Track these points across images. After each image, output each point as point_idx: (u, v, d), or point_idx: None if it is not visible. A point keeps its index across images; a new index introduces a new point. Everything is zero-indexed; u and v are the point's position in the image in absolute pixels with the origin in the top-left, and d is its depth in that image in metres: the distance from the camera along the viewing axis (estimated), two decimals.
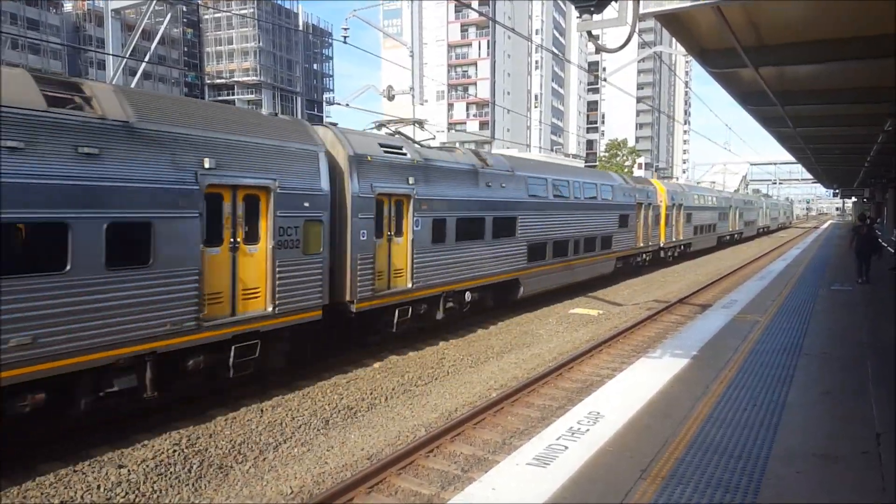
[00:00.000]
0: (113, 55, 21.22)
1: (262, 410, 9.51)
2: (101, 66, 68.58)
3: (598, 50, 7.51)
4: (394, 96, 22.29)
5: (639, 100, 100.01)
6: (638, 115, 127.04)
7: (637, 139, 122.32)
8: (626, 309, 18.84)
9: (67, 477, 7.12)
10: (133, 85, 21.11)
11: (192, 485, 7.27)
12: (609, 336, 14.41)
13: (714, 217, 40.24)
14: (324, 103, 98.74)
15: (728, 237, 45.97)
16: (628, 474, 5.62)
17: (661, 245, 28.93)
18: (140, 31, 19.52)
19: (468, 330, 15.48)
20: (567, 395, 10.48)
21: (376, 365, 12.20)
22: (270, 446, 8.37)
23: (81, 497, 6.71)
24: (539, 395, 10.57)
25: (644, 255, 26.84)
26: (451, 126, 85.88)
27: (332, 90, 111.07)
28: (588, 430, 6.77)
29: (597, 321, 16.94)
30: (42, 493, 6.73)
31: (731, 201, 46.41)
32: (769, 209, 70.20)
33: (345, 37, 23.02)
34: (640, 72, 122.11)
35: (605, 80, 26.05)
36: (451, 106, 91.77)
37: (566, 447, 6.29)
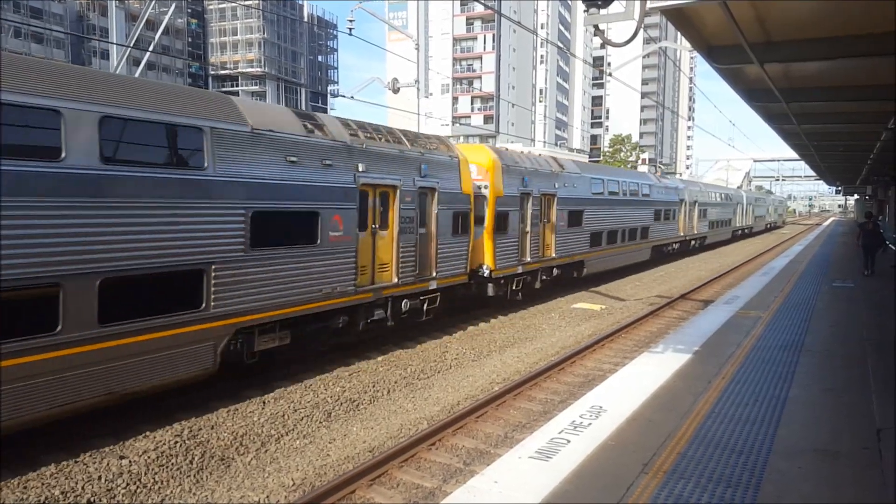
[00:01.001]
0: (117, 44, 21.18)
1: (264, 402, 9.52)
2: (105, 55, 68.45)
3: (605, 44, 7.48)
4: (399, 89, 22.21)
5: (643, 95, 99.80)
6: (642, 110, 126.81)
7: (641, 135, 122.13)
8: (629, 304, 18.83)
9: (68, 467, 7.13)
10: (137, 75, 21.08)
11: (194, 476, 7.29)
12: (611, 331, 14.41)
13: (643, 215, 26.23)
14: (328, 95, 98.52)
15: (675, 246, 31.87)
16: (630, 468, 5.63)
17: (487, 273, 15.52)
18: (144, 20, 19.45)
19: (471, 324, 15.50)
20: (569, 390, 10.50)
21: (379, 358, 12.22)
22: (272, 438, 8.40)
23: (82, 488, 6.74)
24: (541, 389, 10.59)
25: (415, 302, 13.01)
26: (456, 120, 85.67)
27: (337, 82, 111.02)
28: (590, 424, 6.78)
29: (599, 316, 16.95)
30: (43, 484, 6.74)
31: (680, 192, 31.69)
32: (752, 205, 54.34)
33: (350, 29, 22.94)
34: (644, 67, 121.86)
35: (610, 74, 24.43)
36: (455, 100, 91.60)
37: (568, 441, 6.30)
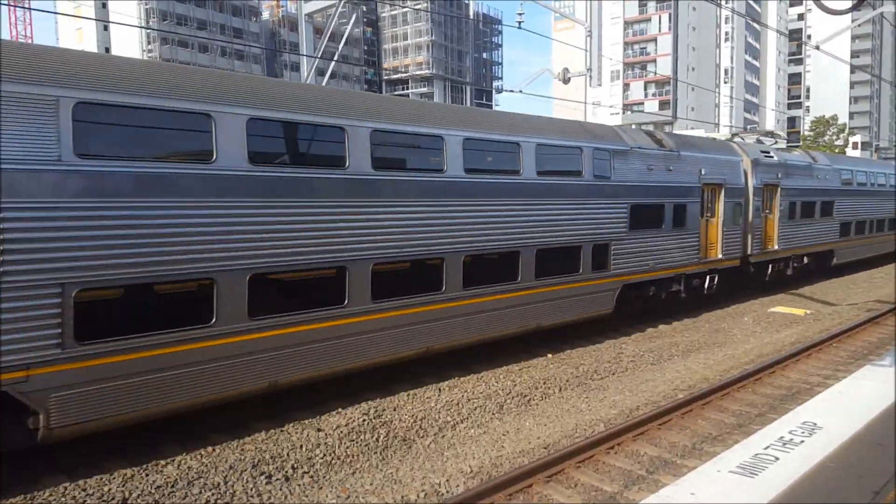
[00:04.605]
0: (307, 56, 23.37)
1: (439, 389, 9.87)
2: (294, 67, 76.07)
3: (824, 11, 6.47)
4: (569, 79, 21.62)
5: (854, 70, 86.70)
6: (852, 87, 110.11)
7: (851, 115, 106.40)
8: (840, 309, 16.44)
9: (276, 435, 7.98)
10: (324, 83, 23.09)
11: (380, 454, 7.73)
12: (820, 339, 12.69)
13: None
14: (493, 91, 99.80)
15: None
16: (857, 495, 4.83)
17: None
18: (329, 32, 21.19)
19: (649, 325, 14.68)
20: (768, 402, 9.40)
21: (549, 355, 12.07)
22: (448, 425, 8.62)
23: (287, 454, 7.46)
24: (734, 399, 9.61)
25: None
26: (628, 107, 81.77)
27: (501, 78, 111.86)
28: (802, 441, 5.95)
29: (803, 322, 15.03)
30: (256, 448, 7.62)
31: None
32: None
33: (519, 22, 22.86)
34: (854, 38, 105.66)
35: (816, 48, 20.89)
36: (626, 86, 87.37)
37: (776, 458, 5.58)
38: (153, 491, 6.52)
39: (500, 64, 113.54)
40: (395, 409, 8.93)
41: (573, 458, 7.46)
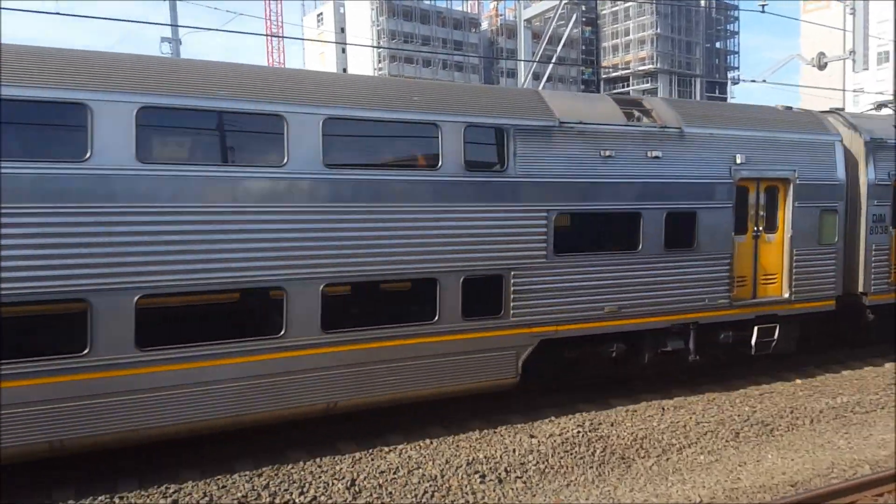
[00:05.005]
0: (523, 60, 23.61)
1: (663, 409, 9.16)
2: (511, 74, 77.80)
3: None
4: (826, 64, 18.45)
5: None
6: None
7: None
8: None
9: (489, 436, 8.07)
10: (540, 87, 23.08)
11: (596, 468, 7.34)
12: None
13: None
14: (728, 83, 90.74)
15: None
16: None
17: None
18: (548, 36, 21.09)
19: None
20: None
21: (798, 381, 10.54)
22: (674, 448, 7.92)
23: (500, 456, 7.47)
24: None
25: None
26: None
27: (738, 67, 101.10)
28: None
29: None
30: (470, 446, 7.78)
31: None
32: None
33: (763, 5, 20.30)
34: None
35: None
36: None
37: None
38: (377, 475, 6.99)
39: (737, 53, 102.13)
40: (612, 425, 8.45)
41: (829, 500, 6.50)
